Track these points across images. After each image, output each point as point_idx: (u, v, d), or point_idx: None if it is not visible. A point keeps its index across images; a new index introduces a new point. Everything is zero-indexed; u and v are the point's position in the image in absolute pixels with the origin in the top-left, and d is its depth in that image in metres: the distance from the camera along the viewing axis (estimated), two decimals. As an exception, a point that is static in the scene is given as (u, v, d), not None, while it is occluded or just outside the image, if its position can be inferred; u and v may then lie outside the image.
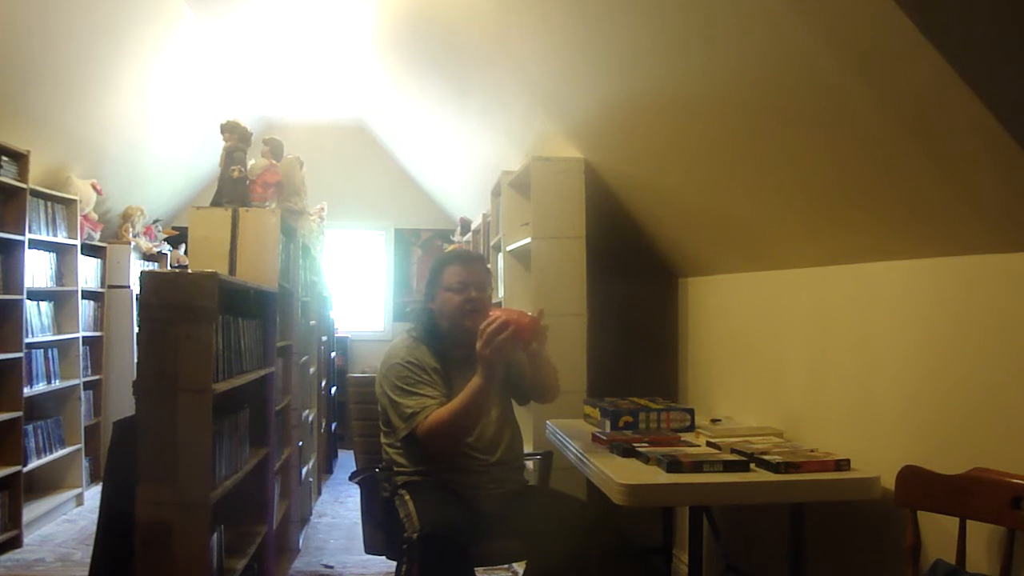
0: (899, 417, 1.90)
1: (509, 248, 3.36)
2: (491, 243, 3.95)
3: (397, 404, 2.15)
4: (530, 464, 2.57)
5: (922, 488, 1.66)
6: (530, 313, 2.10)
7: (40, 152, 4.00)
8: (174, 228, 5.78)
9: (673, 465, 1.89)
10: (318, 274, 4.75)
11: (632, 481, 1.84)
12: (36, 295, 4.02)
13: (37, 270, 4.02)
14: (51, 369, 4.13)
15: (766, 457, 1.93)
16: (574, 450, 2.28)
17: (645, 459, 2.00)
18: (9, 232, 3.65)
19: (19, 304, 3.70)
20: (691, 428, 2.42)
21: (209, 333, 2.05)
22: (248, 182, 3.29)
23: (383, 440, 2.27)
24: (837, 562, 2.10)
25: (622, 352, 3.32)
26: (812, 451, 2.01)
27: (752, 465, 1.93)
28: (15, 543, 3.60)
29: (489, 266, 2.93)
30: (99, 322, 4.83)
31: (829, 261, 2.17)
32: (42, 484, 4.20)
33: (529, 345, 2.10)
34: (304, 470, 3.92)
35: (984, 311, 1.65)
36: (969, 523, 1.58)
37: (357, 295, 6.96)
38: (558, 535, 2.01)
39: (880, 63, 1.47)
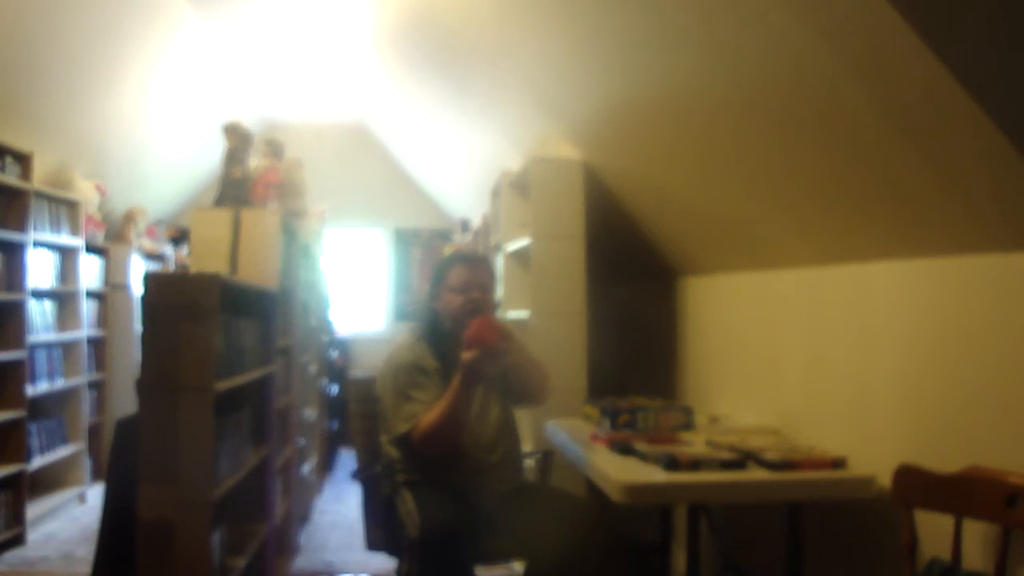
0: (895, 415, 1.91)
1: (509, 248, 3.38)
2: (491, 243, 3.97)
3: (394, 408, 2.18)
4: (530, 463, 2.58)
5: (918, 486, 1.67)
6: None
7: (43, 153, 4.02)
8: (177, 228, 5.80)
9: (671, 464, 1.91)
10: (318, 274, 4.76)
11: (631, 479, 1.85)
12: (39, 295, 4.04)
13: (40, 270, 4.04)
14: (54, 368, 4.15)
15: (763, 455, 1.94)
16: (573, 449, 2.30)
17: (643, 458, 2.01)
18: (12, 232, 3.67)
19: (23, 304, 3.72)
20: (689, 426, 2.43)
21: (211, 333, 2.07)
22: (250, 183, 3.31)
23: (384, 439, 2.28)
24: (834, 560, 2.11)
25: (621, 351, 3.33)
26: (809, 449, 2.03)
27: (749, 463, 1.94)
28: (19, 541, 3.62)
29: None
30: (102, 322, 4.85)
31: (825, 261, 2.18)
32: (45, 482, 4.22)
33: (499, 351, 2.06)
34: (305, 469, 3.94)
35: (978, 310, 1.66)
36: (965, 521, 1.59)
37: (357, 295, 6.98)
38: (558, 534, 2.02)
39: (876, 64, 1.48)
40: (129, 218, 5.21)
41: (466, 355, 2.04)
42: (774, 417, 2.43)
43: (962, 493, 1.58)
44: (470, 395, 2.10)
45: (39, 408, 4.04)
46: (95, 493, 4.41)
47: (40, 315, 4.04)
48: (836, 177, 1.87)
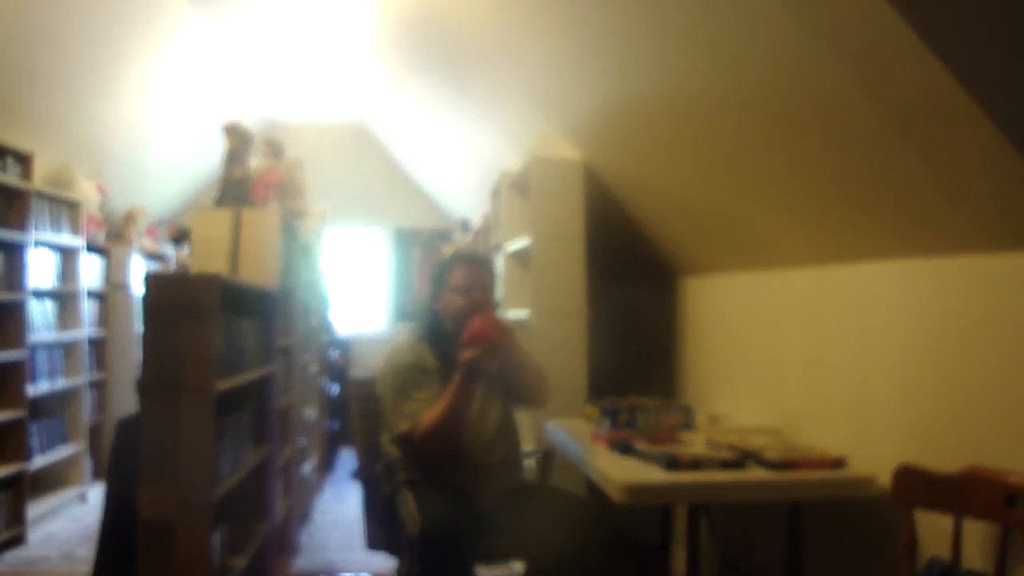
0: (895, 415, 1.91)
1: (509, 248, 3.38)
2: (491, 243, 3.97)
3: (394, 408, 2.18)
4: (530, 463, 2.59)
5: (918, 486, 1.67)
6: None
7: (45, 153, 4.02)
8: (177, 228, 5.81)
9: (671, 463, 1.91)
10: (318, 274, 4.76)
11: (631, 479, 1.85)
12: (40, 295, 4.04)
13: (41, 270, 4.04)
14: (55, 368, 4.16)
15: (763, 455, 1.94)
16: (574, 449, 2.30)
17: (643, 457, 2.01)
18: (13, 232, 3.68)
19: (23, 304, 3.72)
20: (689, 426, 2.43)
21: (211, 333, 2.07)
22: (250, 183, 3.31)
23: (384, 438, 2.29)
24: (834, 559, 2.12)
25: (621, 351, 3.33)
26: (809, 449, 2.03)
27: (749, 463, 1.95)
28: (19, 541, 3.62)
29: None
30: (102, 322, 4.85)
31: (825, 260, 2.18)
32: (46, 482, 4.23)
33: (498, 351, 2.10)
34: (305, 468, 3.94)
35: (978, 310, 1.66)
36: (965, 521, 1.59)
37: (357, 295, 6.98)
38: (558, 533, 2.03)
39: (875, 64, 1.48)
40: (130, 218, 5.21)
41: (466, 353, 2.05)
42: (774, 417, 2.44)
43: (962, 493, 1.58)
44: (471, 393, 2.10)
45: (40, 408, 4.05)
46: (96, 493, 4.42)
47: (41, 315, 4.04)
48: (836, 177, 1.87)
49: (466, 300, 2.22)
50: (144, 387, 2.07)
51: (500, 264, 3.48)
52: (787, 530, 2.04)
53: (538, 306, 3.06)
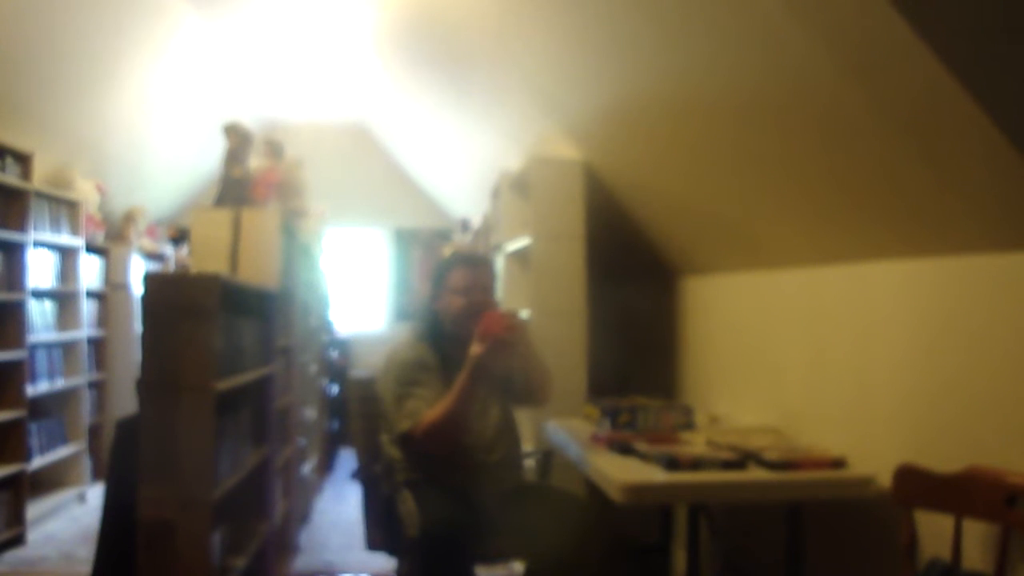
0: (895, 415, 1.91)
1: (509, 249, 3.38)
2: (491, 243, 3.97)
3: (395, 406, 2.17)
4: (530, 463, 2.58)
5: (918, 486, 1.67)
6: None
7: (44, 153, 4.02)
8: (177, 228, 5.80)
9: (671, 464, 1.91)
10: (318, 274, 4.76)
11: (631, 479, 1.85)
12: (40, 295, 4.04)
13: (41, 270, 4.04)
14: (54, 368, 4.15)
15: (763, 455, 1.94)
16: (574, 449, 2.30)
17: (643, 458, 2.01)
18: (13, 232, 3.68)
19: (23, 304, 3.72)
20: (690, 426, 2.43)
21: (211, 333, 2.07)
22: (250, 183, 3.31)
23: (385, 438, 2.29)
24: (834, 559, 2.12)
25: (621, 351, 3.33)
26: (809, 449, 2.03)
27: (749, 463, 1.94)
28: (19, 541, 3.62)
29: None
30: (102, 322, 4.85)
31: (826, 260, 2.18)
32: (46, 482, 4.22)
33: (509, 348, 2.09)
34: (305, 468, 3.94)
35: (979, 310, 1.66)
36: (965, 521, 1.59)
37: (357, 295, 6.98)
38: (558, 534, 2.03)
39: (875, 64, 1.48)
40: (129, 218, 5.21)
41: (476, 348, 2.04)
42: (774, 416, 2.44)
43: (962, 493, 1.58)
44: (476, 389, 2.09)
45: (39, 408, 4.04)
46: (95, 493, 4.41)
47: (40, 315, 4.04)
48: (836, 177, 1.87)
49: (466, 301, 2.22)
50: (144, 387, 2.07)
51: (500, 264, 3.48)
52: (787, 530, 2.04)
53: (538, 306, 3.06)
